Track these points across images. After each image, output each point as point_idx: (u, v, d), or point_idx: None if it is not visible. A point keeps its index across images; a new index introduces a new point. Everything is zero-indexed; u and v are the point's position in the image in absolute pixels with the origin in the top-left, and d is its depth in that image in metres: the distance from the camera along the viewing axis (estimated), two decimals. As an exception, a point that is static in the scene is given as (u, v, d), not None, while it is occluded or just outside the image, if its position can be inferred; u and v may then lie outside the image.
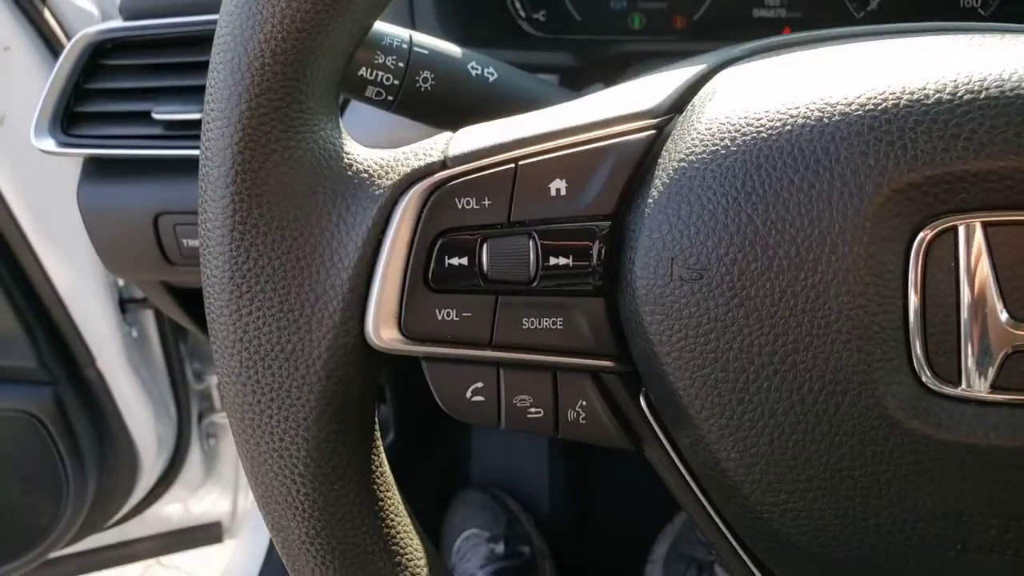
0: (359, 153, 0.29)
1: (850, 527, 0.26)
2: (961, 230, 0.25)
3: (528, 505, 1.17)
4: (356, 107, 0.56)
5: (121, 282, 0.95)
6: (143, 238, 0.56)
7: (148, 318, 1.02)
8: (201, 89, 0.50)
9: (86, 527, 0.98)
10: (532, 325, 0.28)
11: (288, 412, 0.29)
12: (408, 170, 0.29)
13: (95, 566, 1.18)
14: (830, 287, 0.25)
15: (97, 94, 0.57)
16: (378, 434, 0.31)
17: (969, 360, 0.25)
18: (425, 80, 0.40)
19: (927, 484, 0.25)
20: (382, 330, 0.28)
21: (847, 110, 0.25)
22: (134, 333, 0.99)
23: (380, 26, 0.40)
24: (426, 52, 0.40)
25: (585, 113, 0.29)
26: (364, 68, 0.39)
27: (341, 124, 0.30)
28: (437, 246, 0.28)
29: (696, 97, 0.29)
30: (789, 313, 0.25)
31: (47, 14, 0.82)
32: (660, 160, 0.28)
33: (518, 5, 0.69)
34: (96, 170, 0.57)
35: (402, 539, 0.31)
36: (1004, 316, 0.25)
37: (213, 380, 1.13)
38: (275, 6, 0.27)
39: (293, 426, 0.29)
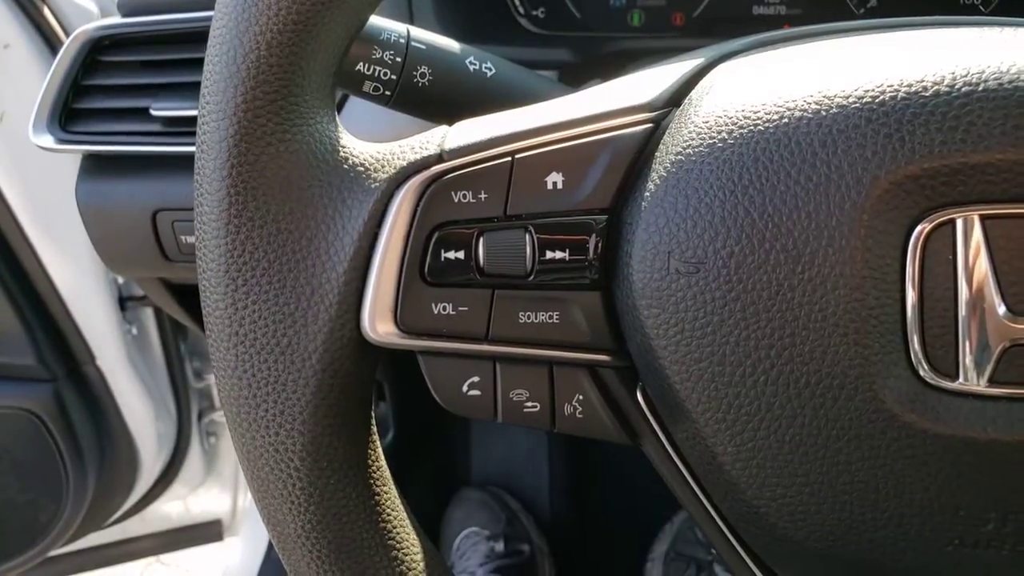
0: (355, 147, 0.29)
1: (847, 521, 0.26)
2: (959, 223, 0.24)
3: (528, 504, 1.17)
4: (356, 101, 0.56)
5: (121, 280, 0.95)
6: (141, 235, 0.56)
7: (148, 316, 1.02)
8: (199, 85, 0.49)
9: (86, 525, 0.98)
10: (529, 319, 0.28)
11: (284, 406, 0.28)
12: (404, 163, 0.29)
13: (95, 564, 1.18)
14: (827, 280, 0.25)
15: (95, 91, 0.57)
16: (375, 429, 0.31)
17: (967, 354, 0.25)
18: (423, 75, 0.40)
19: (924, 478, 0.25)
20: (378, 324, 0.28)
21: (844, 103, 0.25)
22: (134, 331, 0.99)
23: (378, 21, 0.40)
24: (424, 47, 0.40)
25: (582, 107, 0.29)
26: (362, 63, 0.39)
27: (337, 118, 0.30)
28: (433, 239, 0.28)
29: (694, 91, 0.29)
30: (786, 306, 0.25)
31: (46, 11, 0.82)
32: (657, 154, 0.28)
33: (517, 2, 0.69)
34: (94, 166, 0.57)
35: (399, 534, 0.31)
36: (1002, 310, 0.24)
37: (213, 378, 1.13)
38: None
39: (289, 420, 0.28)
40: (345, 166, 0.29)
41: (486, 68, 0.41)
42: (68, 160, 0.60)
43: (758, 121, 0.26)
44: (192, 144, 0.57)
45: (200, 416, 1.14)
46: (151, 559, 1.44)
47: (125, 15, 0.57)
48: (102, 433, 0.95)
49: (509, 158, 0.28)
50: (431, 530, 1.17)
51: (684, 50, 0.38)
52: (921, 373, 0.25)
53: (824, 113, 0.25)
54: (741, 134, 0.26)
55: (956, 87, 0.25)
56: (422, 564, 0.31)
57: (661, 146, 0.28)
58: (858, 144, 0.25)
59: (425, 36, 0.40)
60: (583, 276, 0.28)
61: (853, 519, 0.26)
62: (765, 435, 0.26)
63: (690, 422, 0.27)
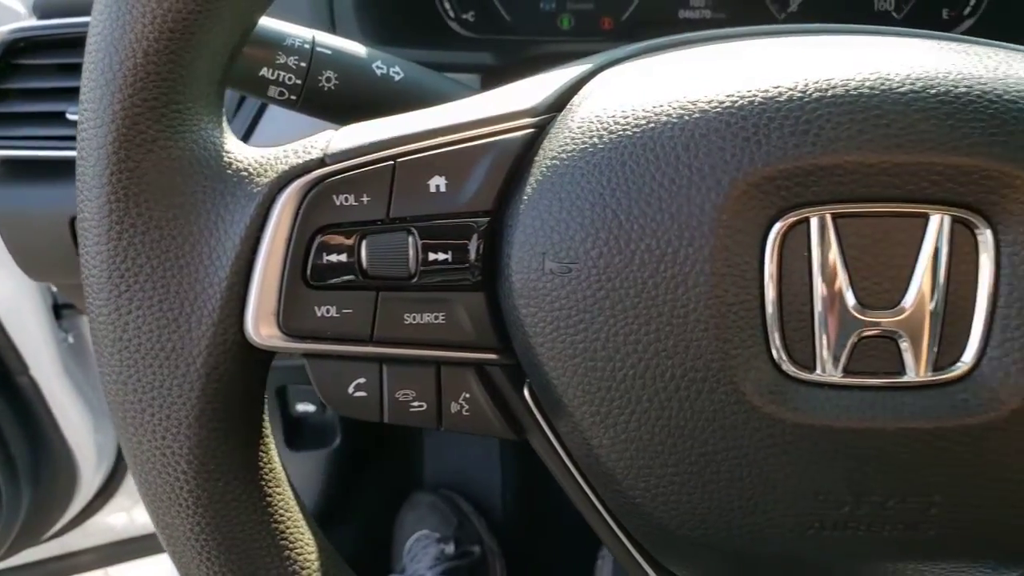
0: (240, 152, 0.29)
1: (716, 510, 0.27)
2: (813, 222, 0.26)
3: (480, 506, 1.17)
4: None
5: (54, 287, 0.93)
6: (59, 241, 0.55)
7: (86, 324, 1.00)
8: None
9: (21, 540, 0.96)
10: (414, 320, 0.29)
11: (170, 411, 0.29)
12: (287, 168, 0.29)
13: (36, 579, 1.15)
14: (688, 278, 0.26)
15: (12, 94, 0.56)
16: (267, 431, 0.32)
17: (824, 346, 0.26)
18: (328, 80, 0.40)
19: (785, 466, 0.26)
20: (261, 327, 0.29)
21: (707, 107, 0.26)
22: (70, 339, 0.97)
23: (282, 26, 0.40)
24: (329, 52, 0.40)
25: (466, 112, 0.29)
26: (265, 68, 0.39)
27: (225, 123, 0.30)
28: (315, 243, 0.28)
29: (576, 96, 0.30)
30: (651, 304, 0.26)
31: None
32: (536, 158, 0.28)
33: (447, 5, 0.69)
34: (10, 172, 0.56)
35: (292, 535, 0.31)
36: (853, 303, 0.26)
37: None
38: (145, 6, 0.27)
39: (175, 424, 0.29)
40: (229, 171, 0.29)
41: (393, 72, 0.42)
42: (-15, 166, 0.58)
43: (627, 126, 0.27)
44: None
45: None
46: (99, 572, 1.42)
47: (40, 17, 0.56)
48: (37, 445, 0.93)
49: (391, 162, 0.29)
50: (385, 534, 1.17)
51: None
52: (781, 366, 0.26)
53: (687, 118, 0.26)
54: (611, 139, 0.27)
55: (808, 92, 0.26)
56: (316, 563, 0.31)
57: (540, 151, 0.29)
58: (718, 147, 0.26)
59: (331, 41, 0.40)
60: (466, 277, 0.29)
61: (722, 507, 0.27)
62: (636, 427, 0.27)
63: (569, 416, 0.28)
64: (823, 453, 0.26)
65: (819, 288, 0.26)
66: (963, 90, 0.25)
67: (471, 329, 0.29)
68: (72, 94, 0.55)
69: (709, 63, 0.29)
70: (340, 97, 0.40)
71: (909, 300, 0.25)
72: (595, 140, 0.27)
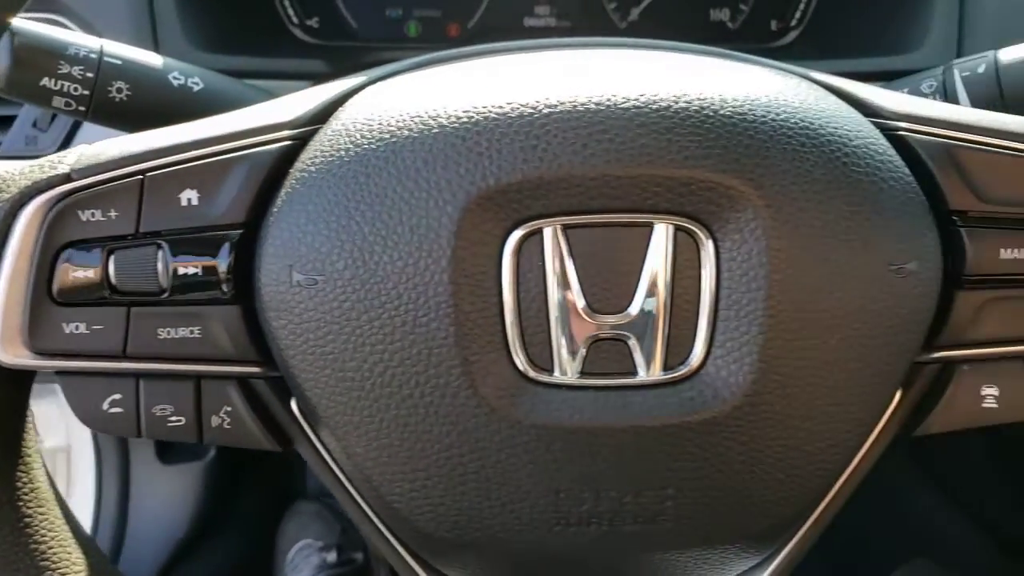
0: None
1: (467, 511, 0.28)
2: (546, 232, 0.27)
3: (365, 512, 1.16)
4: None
5: None
6: None
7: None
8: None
9: None
10: (169, 335, 0.29)
11: None
12: (29, 183, 0.28)
13: None
14: (428, 288, 0.27)
15: None
16: (31, 451, 0.31)
17: (561, 350, 0.27)
18: (119, 90, 0.39)
19: (526, 466, 0.28)
20: (8, 347, 0.28)
21: (445, 123, 0.27)
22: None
23: (65, 35, 0.39)
24: (119, 62, 0.39)
25: (222, 125, 0.30)
26: (47, 78, 0.38)
27: None
28: (60, 259, 0.28)
29: (339, 110, 0.30)
30: (395, 313, 0.27)
31: None
32: (291, 170, 0.29)
33: (290, 11, 0.69)
34: None
35: (56, 554, 0.30)
36: (584, 307, 0.27)
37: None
38: None
39: None
40: None
41: (192, 83, 0.41)
42: None
43: (372, 140, 0.28)
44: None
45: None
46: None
47: None
48: None
49: (140, 176, 0.28)
50: (268, 545, 1.15)
51: None
52: (521, 369, 0.28)
53: (427, 133, 0.27)
54: (357, 152, 0.28)
55: (538, 109, 0.27)
56: None
57: (296, 163, 0.29)
58: (454, 162, 0.27)
59: (121, 51, 0.39)
60: (219, 291, 0.29)
61: (471, 508, 0.28)
62: (387, 434, 0.28)
63: (326, 425, 0.28)
64: (559, 452, 0.27)
65: (554, 294, 0.27)
66: (682, 105, 0.27)
67: (228, 343, 0.29)
68: None
69: (459, 79, 0.30)
70: (133, 108, 0.40)
71: (636, 304, 0.27)
72: (342, 153, 0.28)
